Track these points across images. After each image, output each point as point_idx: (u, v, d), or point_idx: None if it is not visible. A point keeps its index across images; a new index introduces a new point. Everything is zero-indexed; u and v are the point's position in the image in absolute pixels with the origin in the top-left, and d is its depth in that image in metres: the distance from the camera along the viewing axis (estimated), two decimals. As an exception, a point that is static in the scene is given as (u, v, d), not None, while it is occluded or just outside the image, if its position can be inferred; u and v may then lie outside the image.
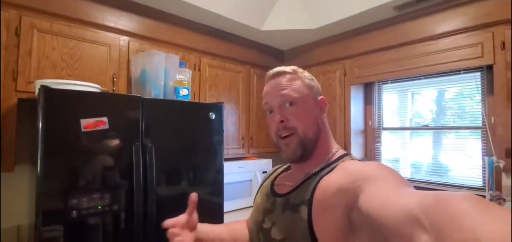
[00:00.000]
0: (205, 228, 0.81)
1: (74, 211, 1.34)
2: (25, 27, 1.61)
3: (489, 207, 0.34)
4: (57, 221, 1.32)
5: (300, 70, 0.77)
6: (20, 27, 1.60)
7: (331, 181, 0.64)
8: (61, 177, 1.34)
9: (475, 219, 0.32)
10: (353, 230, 0.58)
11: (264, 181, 0.90)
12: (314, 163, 0.73)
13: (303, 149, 0.71)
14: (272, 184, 0.82)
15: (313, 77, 0.79)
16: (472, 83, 2.08)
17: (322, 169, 0.71)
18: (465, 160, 2.13)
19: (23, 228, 1.80)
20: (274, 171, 0.91)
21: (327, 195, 0.62)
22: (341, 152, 0.76)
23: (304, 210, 0.65)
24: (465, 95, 2.15)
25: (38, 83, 1.43)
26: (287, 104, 0.72)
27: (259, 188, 0.89)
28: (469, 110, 2.13)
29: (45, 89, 1.30)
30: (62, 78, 1.70)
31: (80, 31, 1.81)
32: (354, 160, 0.71)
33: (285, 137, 0.72)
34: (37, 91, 1.40)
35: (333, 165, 0.69)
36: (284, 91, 0.72)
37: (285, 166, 0.88)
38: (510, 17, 1.66)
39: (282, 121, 0.71)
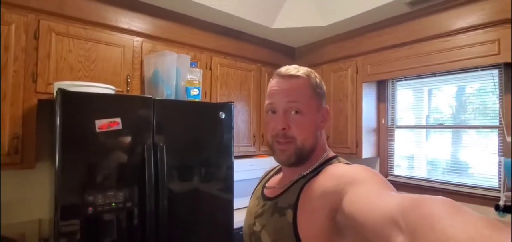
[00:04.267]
0: None
1: (90, 208, 1.41)
2: (43, 31, 1.68)
3: (461, 212, 0.35)
4: (74, 216, 1.39)
5: (313, 75, 0.75)
6: (39, 31, 1.67)
7: (316, 184, 0.65)
8: (78, 175, 1.41)
9: (447, 221, 0.34)
10: (338, 232, 0.59)
11: (257, 185, 0.91)
12: (304, 167, 0.73)
13: (298, 157, 0.71)
14: (263, 187, 0.83)
15: (322, 83, 0.77)
16: (490, 80, 2.01)
17: (310, 173, 0.71)
18: (483, 159, 2.06)
19: (44, 221, 1.90)
20: (266, 174, 0.92)
21: (312, 198, 0.64)
22: (330, 155, 0.76)
23: (290, 213, 0.66)
24: (487, 90, 2.06)
25: (56, 85, 1.49)
26: (293, 112, 0.70)
27: (253, 191, 0.90)
28: (491, 106, 2.05)
29: (62, 92, 1.36)
30: (79, 79, 1.77)
31: (95, 33, 1.87)
32: (341, 162, 0.72)
33: (282, 142, 0.71)
34: (55, 93, 1.46)
35: (320, 169, 0.70)
36: (293, 98, 0.70)
37: (276, 168, 0.88)
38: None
39: (283, 128, 0.70)
